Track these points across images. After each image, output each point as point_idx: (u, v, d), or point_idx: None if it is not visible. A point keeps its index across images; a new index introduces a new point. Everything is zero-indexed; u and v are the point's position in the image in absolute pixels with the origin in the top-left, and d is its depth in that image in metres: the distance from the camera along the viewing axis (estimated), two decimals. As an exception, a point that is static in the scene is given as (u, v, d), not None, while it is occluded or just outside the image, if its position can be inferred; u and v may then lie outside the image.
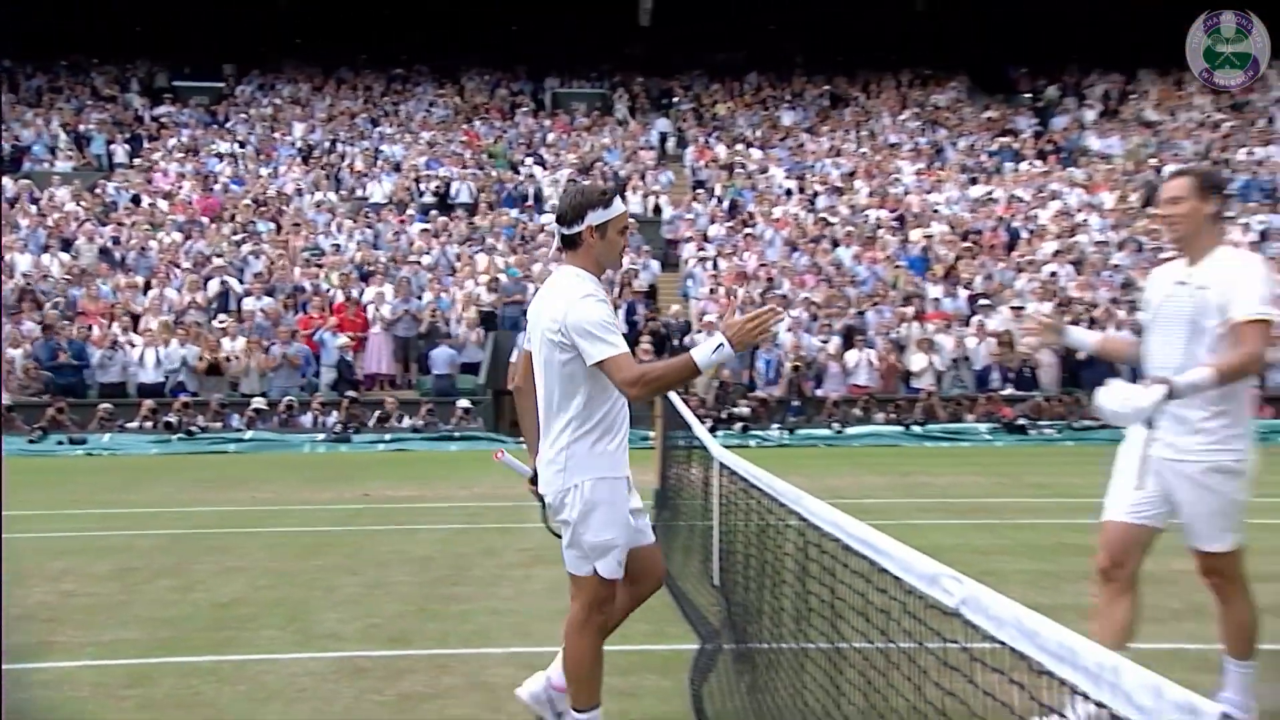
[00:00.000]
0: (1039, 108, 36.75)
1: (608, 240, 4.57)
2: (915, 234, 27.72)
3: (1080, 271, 25.43)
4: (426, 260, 25.73)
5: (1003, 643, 2.26)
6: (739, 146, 33.30)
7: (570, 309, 4.39)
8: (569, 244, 4.66)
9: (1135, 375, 5.17)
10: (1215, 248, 4.78)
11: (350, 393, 21.63)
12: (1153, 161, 31.92)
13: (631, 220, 5.44)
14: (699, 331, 21.90)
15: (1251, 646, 4.94)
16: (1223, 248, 4.84)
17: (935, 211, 29.12)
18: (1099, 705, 2.03)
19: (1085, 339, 5.55)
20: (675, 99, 36.85)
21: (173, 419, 20.61)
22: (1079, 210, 29.33)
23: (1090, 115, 35.58)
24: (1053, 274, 25.16)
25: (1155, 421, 4.68)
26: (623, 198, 4.90)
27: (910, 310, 23.57)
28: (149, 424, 20.79)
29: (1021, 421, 21.36)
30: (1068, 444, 20.24)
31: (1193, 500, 4.77)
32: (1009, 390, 22.17)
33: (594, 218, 4.49)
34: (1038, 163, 32.56)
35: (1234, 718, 1.52)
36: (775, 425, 20.79)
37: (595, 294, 4.49)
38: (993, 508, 12.53)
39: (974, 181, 31.27)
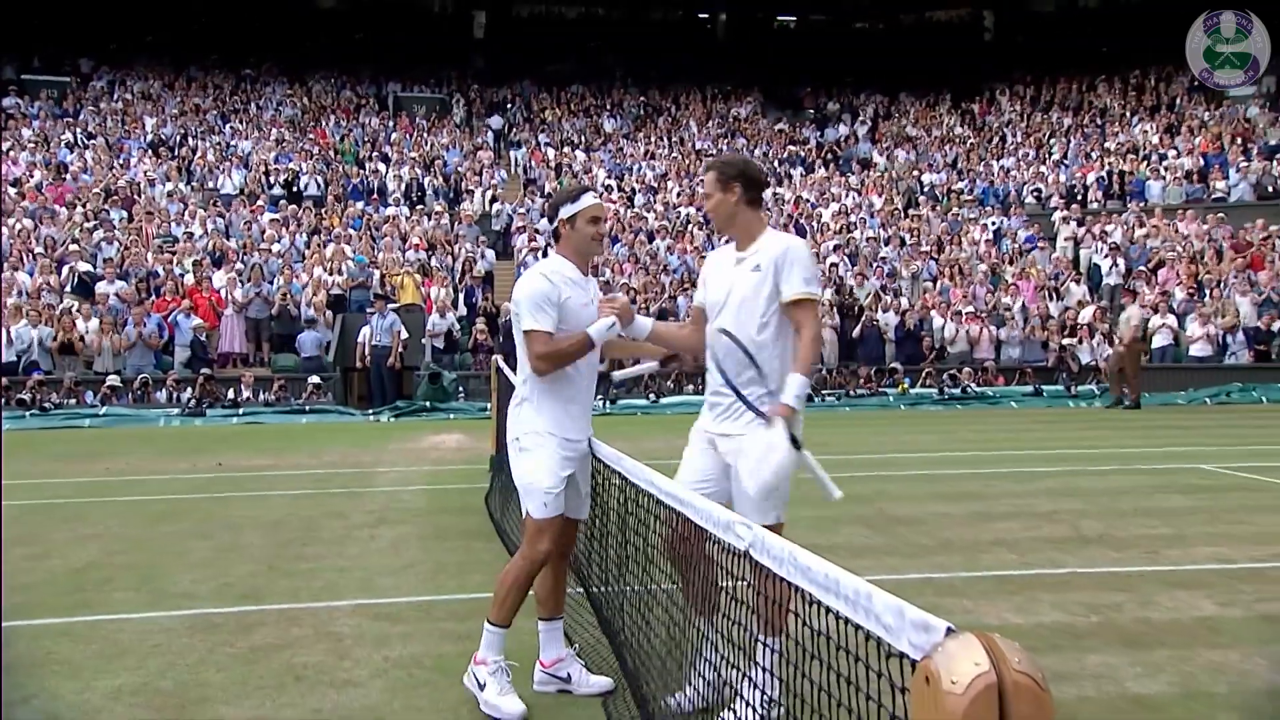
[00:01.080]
0: (820, 121, 37.65)
1: (577, 230, 4.72)
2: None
3: (855, 263, 26.21)
4: (277, 248, 24.91)
5: (782, 578, 2.37)
6: (566, 149, 33.28)
7: (519, 285, 4.71)
8: (555, 237, 4.85)
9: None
10: (760, 231, 4.69)
11: (205, 370, 20.77)
12: (914, 171, 33.20)
13: (607, 210, 5.21)
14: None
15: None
16: (768, 231, 4.73)
17: (736, 208, 29.63)
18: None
19: (642, 326, 5.07)
20: (508, 105, 36.53)
21: (26, 396, 19.43)
22: (854, 210, 30.20)
23: (862, 130, 36.67)
24: (833, 265, 25.86)
25: (800, 441, 4.39)
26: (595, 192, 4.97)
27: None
28: (3, 401, 19.54)
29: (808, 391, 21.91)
30: (845, 409, 20.76)
31: (750, 472, 4.38)
32: (799, 363, 22.72)
33: (565, 211, 4.71)
34: (820, 169, 33.43)
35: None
36: (598, 396, 20.78)
37: (548, 273, 4.67)
38: (785, 467, 12.71)
39: (767, 184, 31.88)
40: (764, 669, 3.46)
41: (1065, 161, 33.03)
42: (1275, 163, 30.26)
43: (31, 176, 27.21)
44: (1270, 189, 29.54)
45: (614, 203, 29.54)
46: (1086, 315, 24.16)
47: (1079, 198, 30.66)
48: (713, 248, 27.49)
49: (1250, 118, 32.65)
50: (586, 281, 4.86)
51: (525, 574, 4.62)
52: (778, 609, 2.68)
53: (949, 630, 1.58)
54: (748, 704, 3.38)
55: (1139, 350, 20.64)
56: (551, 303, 4.61)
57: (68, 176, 27.67)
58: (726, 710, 3.88)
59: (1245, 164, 30.21)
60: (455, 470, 12.31)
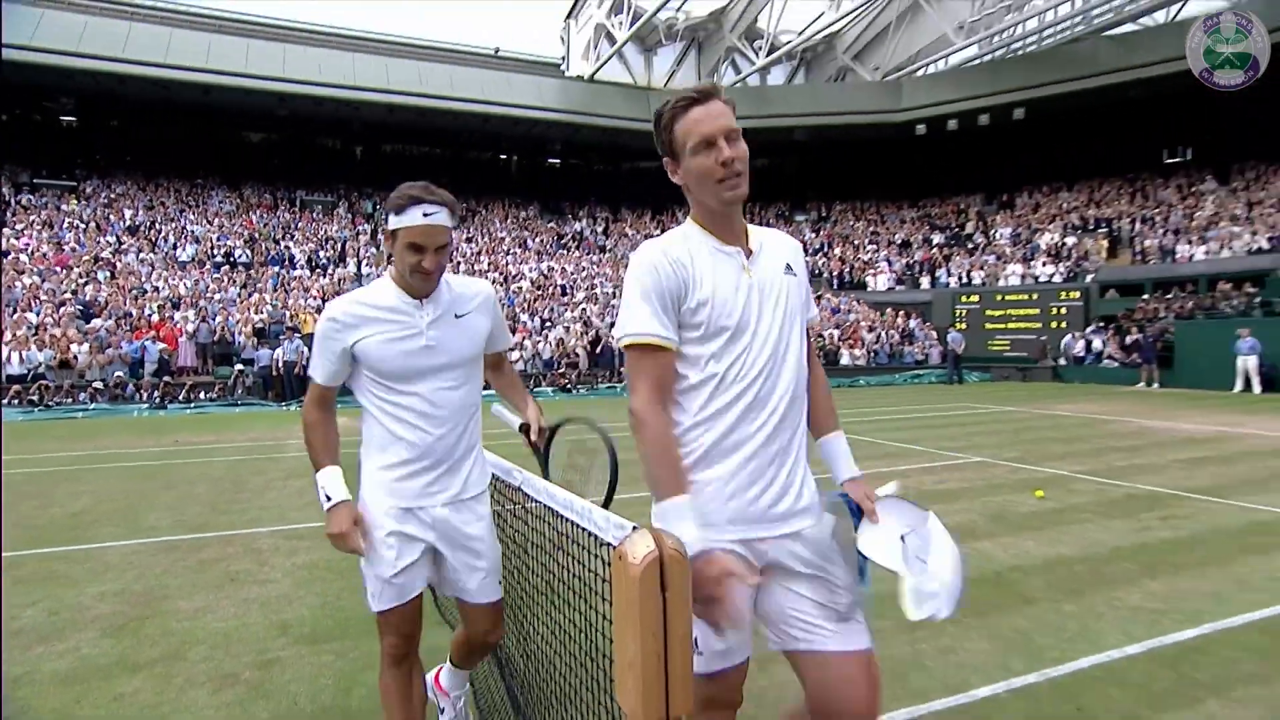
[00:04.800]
0: (576, 222, 37.92)
1: (396, 250, 2.26)
2: (514, 285, 27.85)
3: (597, 305, 26.54)
4: (218, 297, 22.76)
5: (540, 501, 2.32)
6: (415, 236, 32.06)
7: None
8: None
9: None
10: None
11: (166, 378, 18.69)
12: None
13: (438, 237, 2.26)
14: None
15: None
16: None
17: (524, 273, 29.38)
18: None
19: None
20: (376, 205, 34.79)
21: (34, 397, 16.96)
22: (595, 276, 30.59)
23: (599, 228, 37.23)
24: (583, 309, 26.09)
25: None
26: (451, 212, 2.31)
27: (517, 328, 23.67)
28: (16, 402, 16.95)
29: (568, 386, 21.99)
30: (593, 397, 20.93)
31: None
32: (563, 369, 22.74)
33: (391, 221, 2.27)
34: (576, 251, 33.67)
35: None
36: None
37: (338, 313, 2.28)
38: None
39: (543, 258, 31.80)
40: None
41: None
42: (818, 258, 33.15)
43: (40, 249, 23.70)
44: (816, 274, 32.31)
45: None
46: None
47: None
48: (509, 299, 27.95)
49: (803, 234, 35.63)
50: (426, 305, 2.30)
51: (385, 680, 2.35)
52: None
53: (634, 528, 1.63)
54: None
55: None
56: (331, 348, 2.29)
57: (67, 249, 24.24)
58: None
59: (807, 258, 32.95)
60: (344, 440, 11.62)
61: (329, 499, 2.29)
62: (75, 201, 27.97)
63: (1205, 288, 22.57)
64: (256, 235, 28.65)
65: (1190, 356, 20.02)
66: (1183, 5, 27.49)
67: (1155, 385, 20.34)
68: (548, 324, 24.74)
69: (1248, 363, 18.30)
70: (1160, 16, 28.14)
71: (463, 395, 2.39)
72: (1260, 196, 26.13)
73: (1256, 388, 18.17)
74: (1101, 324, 24.02)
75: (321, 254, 28.23)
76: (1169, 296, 23.07)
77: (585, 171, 39.71)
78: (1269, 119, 27.52)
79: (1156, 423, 12.21)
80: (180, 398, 18.31)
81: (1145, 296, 23.65)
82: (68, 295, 20.75)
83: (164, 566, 4.96)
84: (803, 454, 1.92)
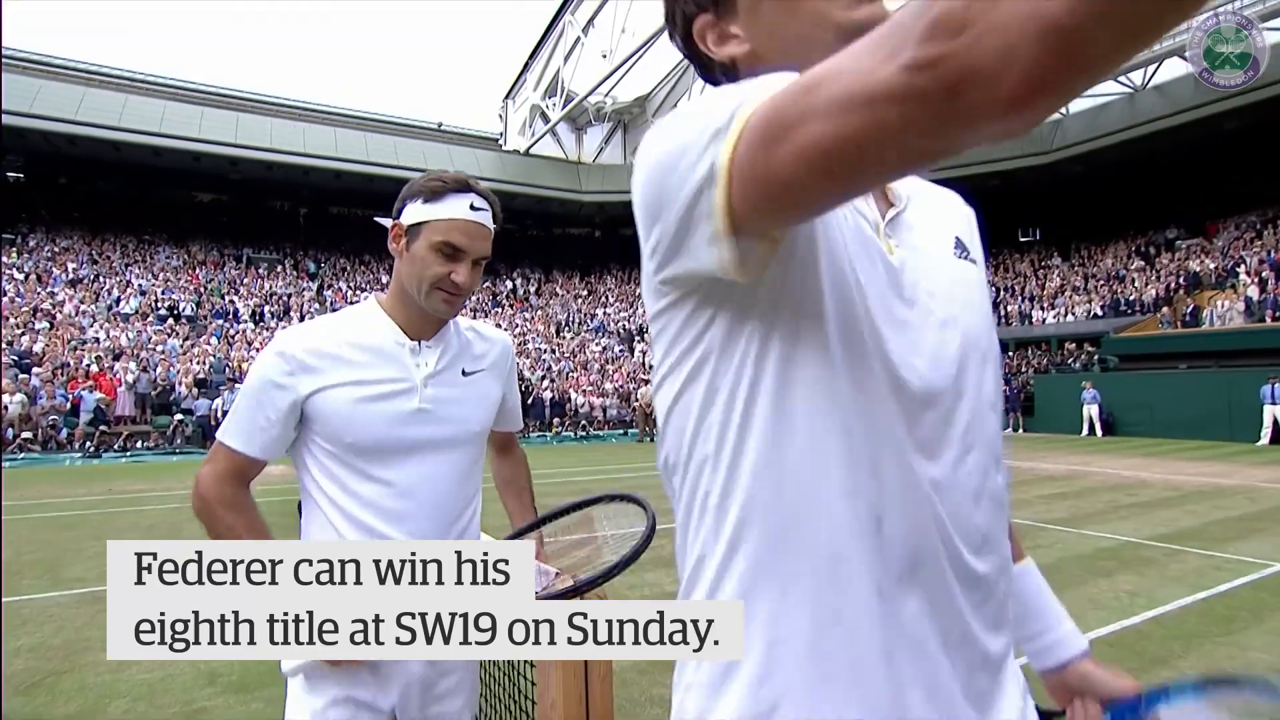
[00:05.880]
0: (510, 282, 37.76)
1: (414, 255, 1.39)
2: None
3: (528, 360, 26.23)
4: (160, 348, 21.48)
5: None
6: (361, 291, 31.20)
7: None
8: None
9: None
10: None
11: (103, 427, 17.38)
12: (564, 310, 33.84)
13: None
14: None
15: None
16: None
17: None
18: None
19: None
20: (320, 264, 33.82)
21: (-42, 447, 15.47)
22: (529, 331, 30.34)
23: (532, 288, 37.14)
24: (514, 363, 25.79)
25: None
26: (482, 204, 1.46)
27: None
28: (-63, 451, 15.42)
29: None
30: (523, 444, 20.60)
31: None
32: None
33: (409, 213, 1.40)
34: (510, 309, 33.40)
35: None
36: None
37: (290, 347, 1.33)
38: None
39: (478, 315, 31.41)
40: None
41: (638, 309, 35.02)
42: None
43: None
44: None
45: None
46: (647, 393, 25.64)
47: (645, 330, 32.60)
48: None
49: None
50: (425, 350, 1.43)
51: None
52: None
53: (555, 574, 1.52)
54: None
55: (650, 409, 21.83)
56: (273, 400, 1.32)
57: (5, 300, 22.48)
58: None
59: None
60: (276, 489, 10.98)
61: None
62: (16, 255, 26.13)
63: (1055, 347, 24.23)
64: (202, 290, 27.37)
65: (1046, 405, 21.31)
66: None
67: (1020, 430, 21.52)
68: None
69: (1091, 411, 19.62)
70: (1010, 119, 30.79)
71: (455, 487, 1.45)
72: (1094, 271, 28.44)
73: (1099, 432, 19.47)
74: (973, 377, 25.33)
75: (266, 309, 27.15)
76: (1028, 354, 24.63)
77: (520, 236, 39.82)
78: (1097, 207, 30.23)
79: (1023, 463, 12.86)
80: (116, 446, 17.03)
81: (1010, 354, 25.16)
82: (5, 347, 19.21)
83: (86, 618, 4.52)
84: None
